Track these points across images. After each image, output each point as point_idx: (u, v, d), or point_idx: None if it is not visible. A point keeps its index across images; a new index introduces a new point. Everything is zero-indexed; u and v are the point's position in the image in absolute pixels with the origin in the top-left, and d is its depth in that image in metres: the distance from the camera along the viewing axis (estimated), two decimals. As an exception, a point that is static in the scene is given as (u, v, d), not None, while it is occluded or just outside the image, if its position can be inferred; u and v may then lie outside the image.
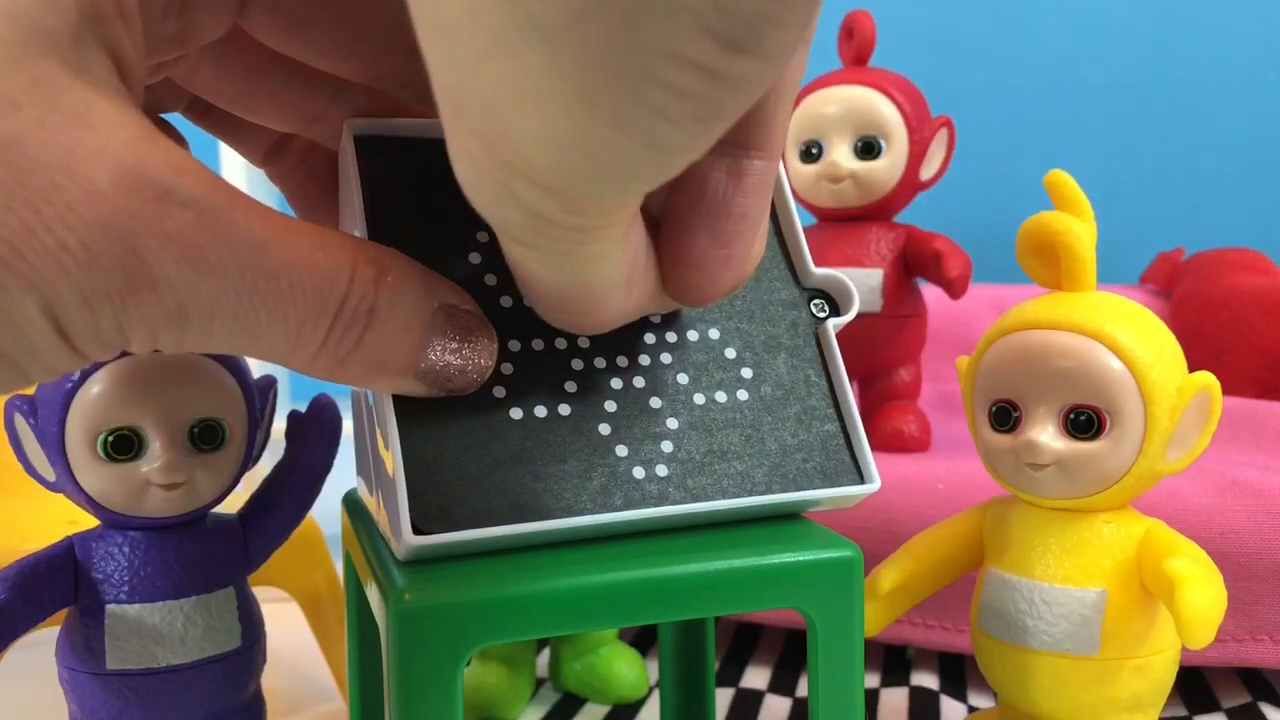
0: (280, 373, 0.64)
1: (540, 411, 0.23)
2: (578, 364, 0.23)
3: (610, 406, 0.23)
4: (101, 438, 0.25)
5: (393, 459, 0.21)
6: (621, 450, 0.23)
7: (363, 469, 0.26)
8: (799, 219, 0.26)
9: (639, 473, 0.23)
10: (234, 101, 0.25)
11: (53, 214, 0.16)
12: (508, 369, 0.23)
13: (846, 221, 0.48)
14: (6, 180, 0.16)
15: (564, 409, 0.23)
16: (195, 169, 0.17)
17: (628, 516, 0.22)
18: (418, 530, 0.21)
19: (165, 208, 0.17)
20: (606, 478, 0.23)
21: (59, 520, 0.29)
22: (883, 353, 0.48)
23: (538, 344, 0.23)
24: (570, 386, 0.23)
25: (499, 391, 0.23)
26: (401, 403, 0.22)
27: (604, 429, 0.23)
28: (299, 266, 0.18)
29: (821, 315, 0.26)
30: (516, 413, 0.23)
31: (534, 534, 0.22)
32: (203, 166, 0.18)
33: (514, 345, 0.23)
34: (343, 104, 0.25)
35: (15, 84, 0.16)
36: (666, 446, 0.23)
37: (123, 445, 0.25)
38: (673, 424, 0.24)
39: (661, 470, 0.23)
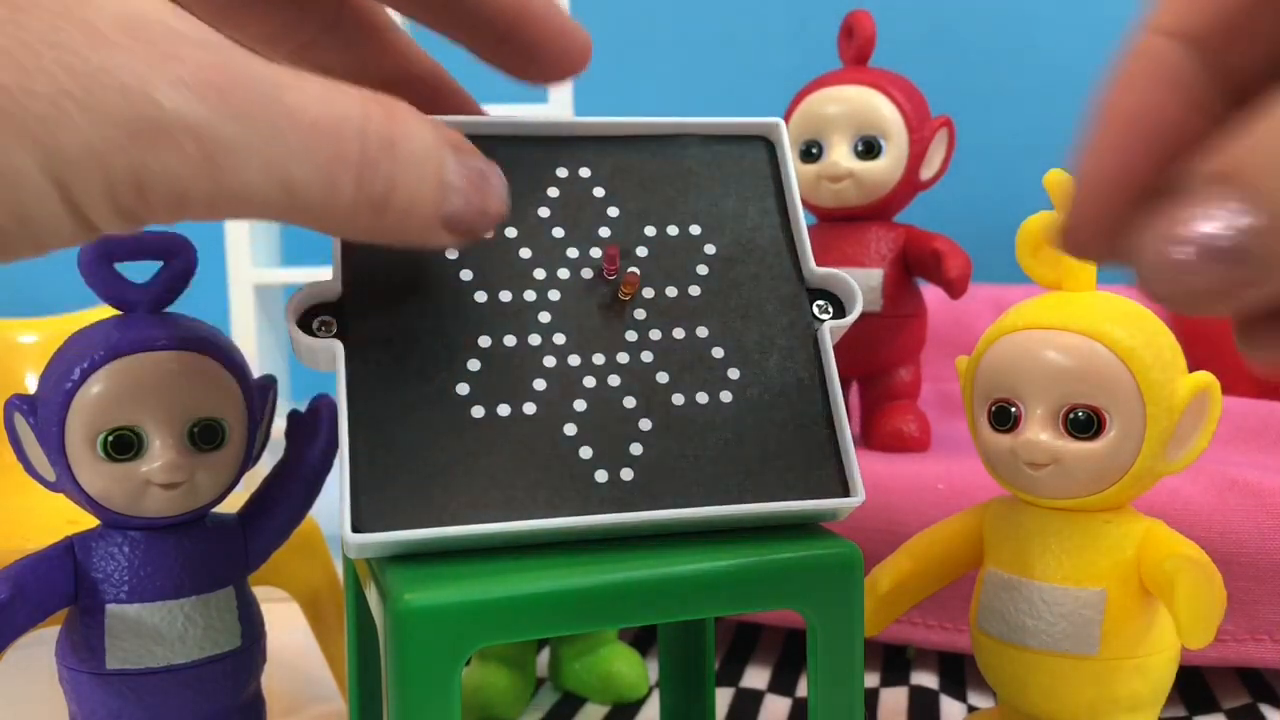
0: (280, 372, 0.64)
1: (503, 410, 0.22)
2: (550, 362, 0.23)
3: (580, 406, 0.23)
4: (101, 437, 0.25)
5: (343, 454, 0.21)
6: (585, 452, 0.22)
7: None
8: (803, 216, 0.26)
9: (601, 476, 0.22)
10: (222, 18, 0.24)
11: (51, 57, 0.15)
12: (475, 365, 0.23)
13: (847, 221, 0.48)
14: (3, 20, 0.14)
15: (529, 408, 0.23)
16: (193, 15, 0.17)
17: (582, 522, 0.22)
18: (357, 528, 0.21)
19: (176, 48, 0.16)
20: (565, 480, 0.22)
21: (59, 520, 0.29)
22: (883, 353, 0.48)
23: (510, 340, 0.23)
24: (539, 385, 0.23)
25: (462, 389, 0.22)
26: (356, 397, 0.22)
27: (570, 429, 0.23)
28: (317, 104, 0.18)
29: (824, 316, 0.25)
30: (478, 411, 0.22)
31: (480, 536, 0.21)
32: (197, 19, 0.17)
33: (484, 341, 0.23)
34: (336, 35, 0.25)
35: None
36: (635, 449, 0.23)
37: (123, 445, 0.25)
38: (645, 425, 0.23)
39: (627, 474, 0.22)
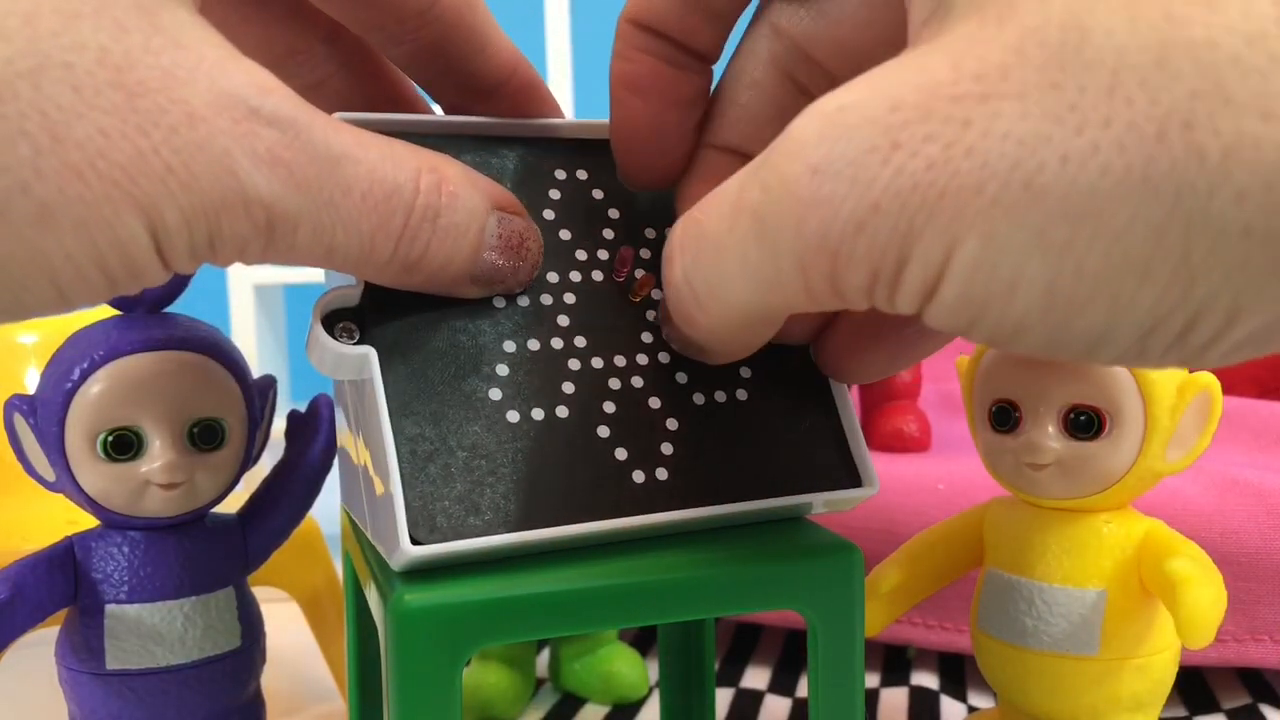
0: (280, 372, 0.64)
1: (537, 414, 0.22)
2: (575, 364, 0.23)
3: (609, 408, 0.23)
4: (101, 438, 0.25)
5: (388, 465, 0.21)
6: (621, 453, 0.23)
7: (349, 488, 0.26)
8: None
9: (638, 476, 0.23)
10: (220, 19, 0.25)
11: (160, 137, 0.17)
12: (503, 370, 0.23)
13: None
14: (120, 105, 0.16)
15: (562, 411, 0.23)
16: (276, 86, 0.18)
17: (628, 524, 0.22)
18: (415, 540, 0.20)
19: (254, 127, 0.17)
20: (606, 483, 0.22)
21: (59, 520, 0.29)
22: (883, 353, 0.48)
23: (533, 345, 0.23)
24: (568, 388, 0.23)
25: (495, 394, 0.22)
26: (396, 405, 0.21)
27: (603, 431, 0.23)
28: (370, 179, 0.19)
29: None
30: (513, 415, 0.22)
31: (533, 543, 0.22)
32: (281, 83, 0.18)
33: (509, 346, 0.23)
34: (333, 48, 0.25)
35: (122, 6, 0.17)
36: (666, 449, 0.23)
37: (122, 445, 0.25)
38: (672, 425, 0.23)
39: (661, 474, 0.23)
